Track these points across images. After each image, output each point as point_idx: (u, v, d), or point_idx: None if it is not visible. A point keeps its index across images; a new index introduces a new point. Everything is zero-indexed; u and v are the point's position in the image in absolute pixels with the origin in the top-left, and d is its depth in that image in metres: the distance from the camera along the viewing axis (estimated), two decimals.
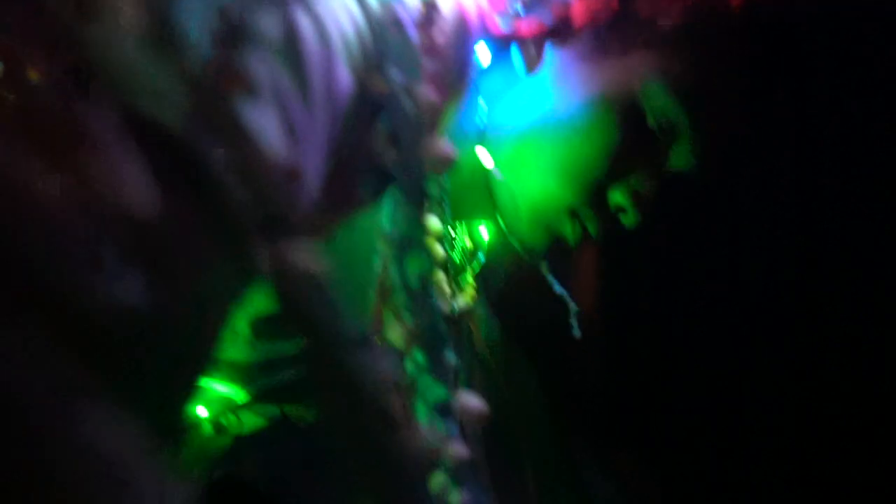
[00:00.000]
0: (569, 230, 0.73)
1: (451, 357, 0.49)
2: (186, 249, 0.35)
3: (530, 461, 0.85)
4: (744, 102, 0.75)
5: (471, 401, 0.48)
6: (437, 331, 0.49)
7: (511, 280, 0.89)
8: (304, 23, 0.42)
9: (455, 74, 0.58)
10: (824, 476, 1.01)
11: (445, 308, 0.55)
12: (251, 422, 0.74)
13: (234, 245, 0.37)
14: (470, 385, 0.80)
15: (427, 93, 0.49)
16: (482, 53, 0.71)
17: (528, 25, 0.70)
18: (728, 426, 1.04)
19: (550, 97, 0.72)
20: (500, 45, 0.72)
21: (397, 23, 0.49)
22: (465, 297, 0.78)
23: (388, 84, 0.48)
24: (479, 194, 0.73)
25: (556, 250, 0.78)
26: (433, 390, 0.48)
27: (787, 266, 1.03)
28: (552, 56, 0.73)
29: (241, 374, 0.73)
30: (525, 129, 0.72)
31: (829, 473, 1.01)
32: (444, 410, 0.48)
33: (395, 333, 0.50)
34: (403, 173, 0.48)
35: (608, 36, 0.70)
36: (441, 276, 0.56)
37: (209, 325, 0.38)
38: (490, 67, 0.73)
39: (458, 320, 0.75)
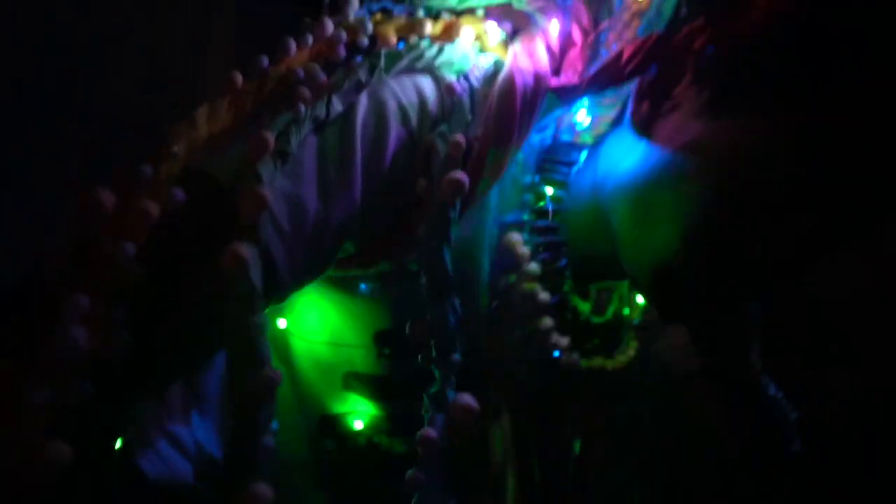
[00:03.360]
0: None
1: (456, 358, 0.55)
2: None
3: None
4: None
5: (464, 399, 0.52)
6: (452, 336, 0.56)
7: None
8: (363, 101, 0.60)
9: (501, 128, 0.64)
10: None
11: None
12: (399, 446, 0.76)
13: None
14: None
15: (457, 137, 0.59)
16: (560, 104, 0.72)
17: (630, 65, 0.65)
18: None
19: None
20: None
21: (451, 91, 0.63)
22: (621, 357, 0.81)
23: (435, 136, 0.61)
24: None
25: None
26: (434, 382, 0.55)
27: None
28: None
29: (378, 390, 0.76)
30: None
31: None
32: (434, 400, 0.54)
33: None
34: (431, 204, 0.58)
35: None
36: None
37: None
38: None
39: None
